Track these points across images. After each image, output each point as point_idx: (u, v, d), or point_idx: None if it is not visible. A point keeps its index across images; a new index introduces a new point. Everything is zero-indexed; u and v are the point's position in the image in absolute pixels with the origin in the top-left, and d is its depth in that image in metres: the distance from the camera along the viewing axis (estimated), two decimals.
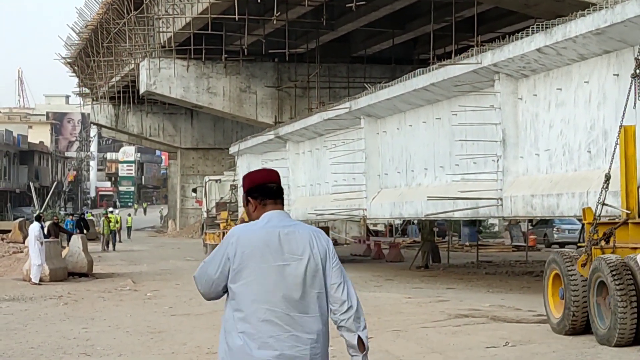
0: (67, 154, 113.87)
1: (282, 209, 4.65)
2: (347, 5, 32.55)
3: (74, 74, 68.36)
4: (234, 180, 40.70)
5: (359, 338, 4.53)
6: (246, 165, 35.97)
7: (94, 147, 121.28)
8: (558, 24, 16.04)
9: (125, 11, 47.45)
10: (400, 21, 42.23)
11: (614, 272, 12.79)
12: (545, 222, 42.87)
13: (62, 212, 69.43)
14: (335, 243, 47.60)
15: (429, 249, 30.29)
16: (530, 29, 16.90)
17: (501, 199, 18.23)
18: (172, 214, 72.71)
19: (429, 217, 22.02)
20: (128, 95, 58.65)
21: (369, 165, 25.00)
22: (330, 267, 4.48)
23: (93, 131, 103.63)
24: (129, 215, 60.35)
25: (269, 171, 4.80)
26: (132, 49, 49.68)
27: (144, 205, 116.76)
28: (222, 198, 44.52)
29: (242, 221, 35.10)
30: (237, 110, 45.15)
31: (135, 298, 21.23)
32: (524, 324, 14.72)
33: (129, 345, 13.60)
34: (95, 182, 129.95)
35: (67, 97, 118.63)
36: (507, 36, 17.80)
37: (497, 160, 18.43)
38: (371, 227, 56.06)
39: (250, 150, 35.43)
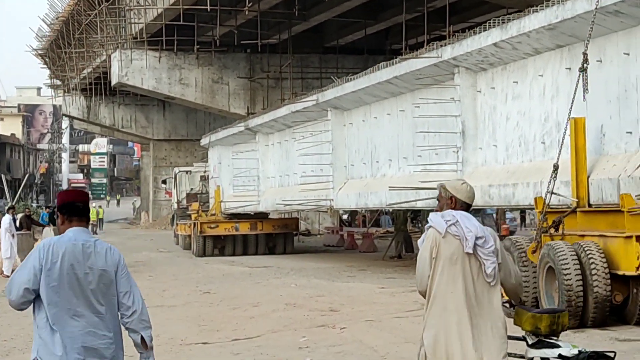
0: (39, 146, 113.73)
1: (86, 226, 5.59)
2: None
3: (45, 66, 68.65)
4: (204, 172, 41.34)
5: (142, 337, 5.57)
6: (217, 156, 36.63)
7: (65, 139, 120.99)
8: (513, 19, 16.84)
9: (96, 2, 47.89)
10: (373, 11, 42.78)
11: (561, 258, 13.64)
12: (477, 212, 44.06)
13: (34, 205, 69.78)
14: (308, 233, 48.29)
15: (402, 239, 30.93)
16: (487, 24, 17.67)
17: None
18: (144, 205, 73.24)
19: (392, 207, 22.80)
20: (100, 86, 58.96)
21: (336, 156, 25.74)
22: (120, 277, 5.47)
23: (65, 123, 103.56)
24: (100, 207, 60.82)
25: (78, 192, 5.72)
26: (104, 40, 50.16)
27: (117, 197, 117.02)
28: (192, 189, 45.21)
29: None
30: (210, 102, 45.66)
31: None
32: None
33: None
34: (67, 174, 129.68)
35: (39, 89, 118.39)
36: (468, 29, 18.57)
37: (457, 152, 19.21)
38: (344, 218, 56.92)
39: (221, 142, 36.12)
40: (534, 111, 17.16)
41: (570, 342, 6.64)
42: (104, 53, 51.38)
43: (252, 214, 34.51)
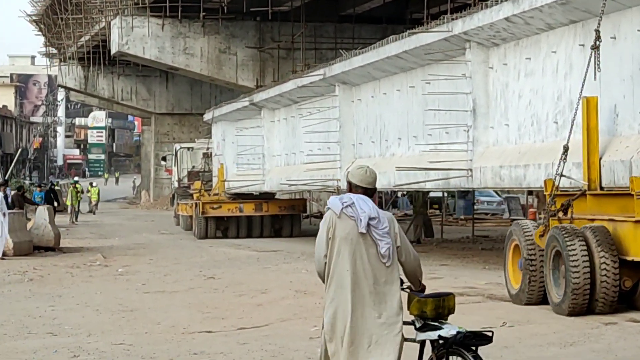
0: (33, 119, 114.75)
1: None
2: None
3: (40, 33, 68.97)
4: (207, 149, 42.09)
5: None
6: (221, 133, 37.46)
7: (61, 111, 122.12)
8: None
9: None
10: None
11: (568, 242, 14.31)
12: (465, 194, 44.96)
13: (27, 182, 70.75)
14: (320, 215, 49.04)
15: (421, 222, 31.36)
16: None
17: (471, 170, 19.73)
18: (145, 184, 74.21)
19: (400, 188, 23.51)
20: (98, 56, 59.50)
21: (343, 134, 26.48)
22: None
23: (60, 95, 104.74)
24: (92, 185, 61.49)
25: None
26: (103, 5, 50.61)
27: (116, 174, 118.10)
28: (194, 167, 46.03)
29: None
30: (216, 73, 46.13)
31: (105, 274, 21.78)
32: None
33: (99, 324, 13.94)
34: (62, 149, 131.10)
35: (33, 57, 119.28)
36: (477, 3, 19.21)
37: (468, 131, 19.89)
38: None
39: (225, 118, 36.90)
40: (547, 89, 17.81)
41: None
42: (103, 20, 51.94)
43: (256, 194, 35.28)
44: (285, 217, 35.61)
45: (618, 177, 15.17)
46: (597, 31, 15.25)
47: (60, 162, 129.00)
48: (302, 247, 29.41)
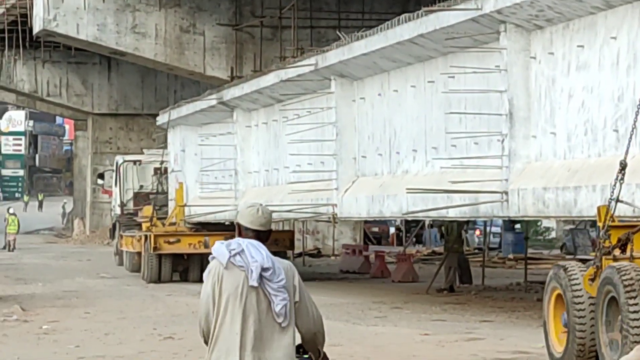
0: None
1: None
2: None
3: None
4: (161, 162, 43.08)
5: None
6: (180, 141, 38.53)
7: None
8: None
9: None
10: None
11: (627, 286, 15.07)
12: (513, 224, 45.84)
13: None
14: (318, 253, 50.23)
15: (456, 263, 32.05)
16: None
17: (507, 193, 20.60)
18: (79, 209, 75.08)
19: (416, 216, 24.44)
20: (16, 36, 60.40)
21: (342, 144, 27.46)
22: None
23: None
24: (9, 211, 62.21)
25: None
26: None
27: (40, 197, 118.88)
28: (142, 187, 46.95)
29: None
30: (176, 59, 46.99)
31: (25, 332, 22.05)
32: None
33: None
34: None
35: None
36: None
37: (503, 141, 20.81)
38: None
39: (186, 121, 38.10)
40: (605, 87, 18.73)
41: None
42: None
43: (227, 223, 36.13)
44: None
45: None
46: None
47: None
48: None
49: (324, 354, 7.98)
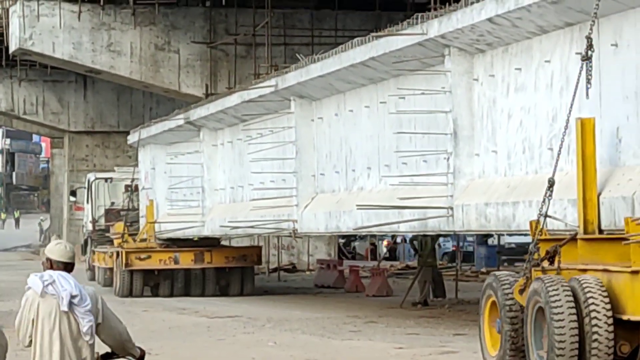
0: None
1: None
2: None
3: None
4: (132, 180, 43.70)
5: None
6: (150, 159, 39.51)
7: None
8: None
9: None
10: None
11: (553, 297, 16.14)
12: (486, 239, 46.86)
13: None
14: (293, 269, 50.67)
15: (430, 278, 32.60)
16: None
17: (452, 208, 21.76)
18: (56, 227, 75.46)
19: (369, 231, 25.61)
20: None
21: (301, 162, 28.51)
22: None
23: None
24: None
25: None
26: None
27: (16, 214, 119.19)
28: (113, 204, 47.90)
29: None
30: (151, 77, 47.47)
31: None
32: None
33: None
34: None
35: None
36: (442, 3, 21.26)
37: (448, 159, 21.92)
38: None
39: (155, 140, 39.02)
40: (540, 107, 19.79)
41: None
42: None
43: (197, 239, 37.26)
44: (234, 271, 37.69)
45: (619, 217, 16.90)
46: (589, 38, 17.22)
47: None
48: (270, 311, 30.55)
49: (141, 350, 9.73)
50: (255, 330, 25.80)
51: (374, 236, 53.58)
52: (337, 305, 33.13)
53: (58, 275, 9.43)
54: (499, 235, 46.75)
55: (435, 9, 23.26)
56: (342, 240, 56.89)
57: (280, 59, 44.41)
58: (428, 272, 32.72)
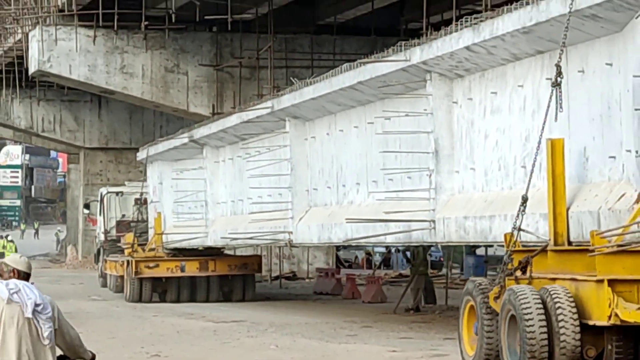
0: None
1: None
2: None
3: None
4: (141, 194, 44.16)
5: None
6: (157, 175, 39.82)
7: None
8: (486, 20, 19.91)
9: None
10: None
11: (524, 305, 16.43)
12: (474, 249, 47.08)
13: None
14: (294, 277, 50.67)
15: (422, 285, 32.68)
16: (460, 22, 20.74)
17: (434, 221, 22.06)
18: (72, 237, 75.75)
19: (358, 242, 25.88)
20: (13, 76, 60.99)
21: (296, 178, 28.82)
22: None
23: None
24: (7, 238, 63.04)
25: None
26: (19, 13, 51.81)
27: (35, 225, 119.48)
28: (124, 216, 48.17)
29: None
30: (162, 97, 47.35)
31: None
32: None
33: None
34: None
35: None
36: (432, 30, 21.56)
37: (430, 175, 22.25)
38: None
39: (162, 157, 39.30)
40: (514, 128, 20.17)
41: None
42: (19, 31, 53.34)
43: (201, 249, 37.51)
44: (236, 278, 37.98)
45: (586, 230, 17.27)
46: (558, 66, 17.58)
47: None
48: (272, 317, 30.61)
49: (92, 354, 10.18)
50: (258, 334, 25.88)
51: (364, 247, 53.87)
52: (335, 310, 33.27)
53: (23, 284, 9.82)
54: (486, 246, 47.07)
55: (426, 35, 23.38)
56: (340, 252, 57.05)
57: (282, 81, 44.22)
58: (420, 280, 32.80)
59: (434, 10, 41.90)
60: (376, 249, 58.41)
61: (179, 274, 37.38)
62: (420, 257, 33.25)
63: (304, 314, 31.50)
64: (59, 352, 10.02)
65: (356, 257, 64.00)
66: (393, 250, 56.15)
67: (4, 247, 60.74)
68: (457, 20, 22.56)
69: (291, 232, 28.96)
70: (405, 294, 33.10)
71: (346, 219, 24.36)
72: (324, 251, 50.88)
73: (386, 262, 58.55)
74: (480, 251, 51.24)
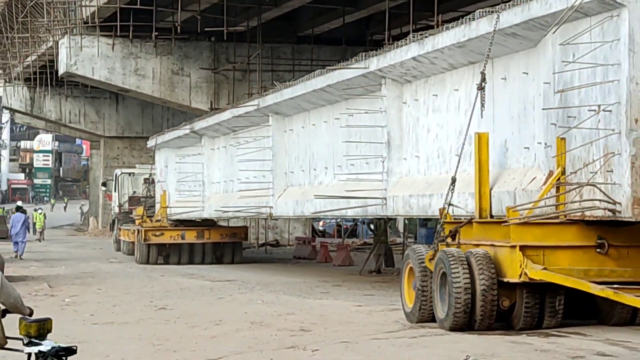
0: None
1: None
2: None
3: None
4: (150, 174, 44.52)
5: None
6: (164, 159, 40.28)
7: (6, 134, 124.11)
8: (429, 36, 20.65)
9: None
10: None
11: (452, 265, 17.21)
12: (426, 222, 47.56)
13: None
14: (277, 244, 50.75)
15: (383, 252, 33.01)
16: (407, 38, 21.48)
17: (385, 199, 22.77)
18: (93, 210, 76.23)
19: (326, 215, 26.54)
20: (45, 76, 61.60)
21: (276, 163, 29.32)
22: None
23: (5, 117, 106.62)
24: (36, 210, 63.42)
25: None
26: (51, 24, 52.08)
27: (65, 200, 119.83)
28: (134, 192, 48.67)
29: None
30: (168, 95, 47.71)
31: (51, 304, 22.19)
32: (487, 336, 15.77)
33: None
34: (7, 173, 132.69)
35: None
36: (394, 40, 22.24)
37: (383, 162, 22.88)
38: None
39: (167, 145, 39.73)
40: (450, 124, 20.76)
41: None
42: (51, 39, 53.80)
43: (198, 220, 37.99)
44: (227, 245, 38.50)
45: (504, 206, 17.92)
46: (483, 73, 18.34)
47: (4, 187, 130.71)
48: (259, 277, 30.57)
49: (30, 309, 9.72)
50: (247, 291, 25.85)
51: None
52: (311, 272, 33.26)
53: None
54: (436, 221, 47.13)
55: (390, 44, 23.80)
56: (315, 223, 57.66)
57: (268, 82, 44.49)
58: (381, 247, 33.06)
59: (395, 24, 42.16)
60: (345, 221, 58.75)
61: (180, 241, 37.83)
62: (382, 229, 33.55)
63: (285, 275, 31.63)
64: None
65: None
66: (360, 222, 56.56)
67: (36, 218, 61.09)
68: (414, 32, 23.30)
69: (272, 207, 29.45)
70: (369, 259, 33.37)
71: (315, 195, 25.04)
72: (302, 222, 50.92)
73: (353, 232, 58.89)
74: (431, 224, 51.55)
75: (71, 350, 9.22)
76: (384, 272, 32.03)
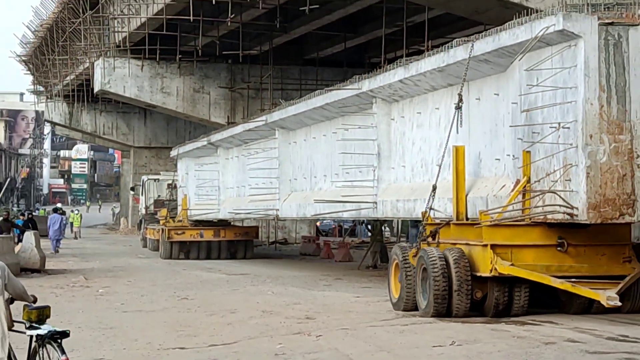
0: (21, 150, 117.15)
1: None
2: (301, 8, 35.17)
3: (28, 72, 70.99)
4: (172, 180, 44.64)
5: None
6: (185, 167, 40.44)
7: (47, 144, 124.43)
8: (413, 61, 20.90)
9: (81, 10, 49.30)
10: (353, 25, 45.04)
11: (431, 261, 17.47)
12: (417, 222, 47.41)
13: (14, 209, 73.22)
14: (285, 242, 50.58)
15: (378, 249, 32.85)
16: (395, 63, 21.74)
17: (376, 203, 23.03)
18: (124, 211, 76.06)
19: (324, 217, 26.87)
20: (82, 93, 61.27)
21: (282, 171, 29.47)
22: None
23: (47, 129, 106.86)
24: (72, 211, 63.70)
25: None
26: (87, 48, 51.97)
27: (99, 202, 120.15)
28: (159, 196, 48.83)
29: None
30: (191, 110, 47.73)
31: (87, 294, 22.37)
32: (470, 324, 15.82)
33: (81, 341, 14.13)
34: (48, 179, 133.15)
35: (22, 94, 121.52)
36: (389, 63, 22.45)
37: (374, 170, 23.11)
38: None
39: (188, 154, 39.86)
40: (432, 138, 20.91)
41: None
42: (87, 61, 53.67)
43: (215, 221, 38.08)
44: (240, 242, 38.50)
45: (478, 210, 18.23)
46: (460, 94, 18.63)
47: (45, 190, 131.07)
48: (269, 271, 30.52)
49: (34, 297, 9.85)
50: (259, 283, 25.79)
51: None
52: (315, 267, 33.17)
53: None
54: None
55: (386, 65, 23.65)
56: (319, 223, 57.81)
57: (278, 99, 43.71)
58: (377, 245, 32.98)
59: (390, 49, 42.15)
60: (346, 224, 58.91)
61: (199, 239, 37.82)
62: (377, 229, 33.46)
63: (292, 269, 31.57)
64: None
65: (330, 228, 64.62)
66: (358, 223, 56.57)
67: (73, 218, 61.32)
68: (407, 56, 23.47)
69: (278, 210, 29.57)
70: (366, 255, 33.31)
71: (315, 199, 25.25)
72: (307, 223, 50.73)
73: (352, 232, 59.01)
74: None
75: (65, 334, 9.40)
76: (379, 267, 31.93)
